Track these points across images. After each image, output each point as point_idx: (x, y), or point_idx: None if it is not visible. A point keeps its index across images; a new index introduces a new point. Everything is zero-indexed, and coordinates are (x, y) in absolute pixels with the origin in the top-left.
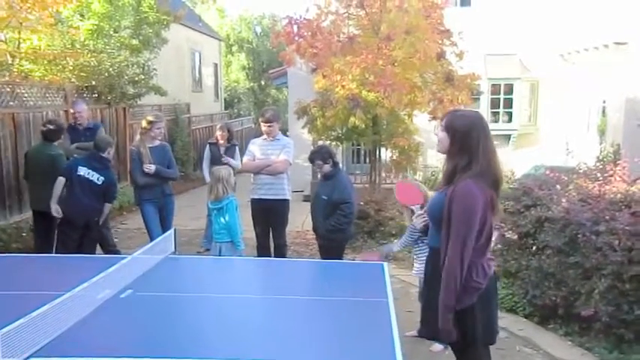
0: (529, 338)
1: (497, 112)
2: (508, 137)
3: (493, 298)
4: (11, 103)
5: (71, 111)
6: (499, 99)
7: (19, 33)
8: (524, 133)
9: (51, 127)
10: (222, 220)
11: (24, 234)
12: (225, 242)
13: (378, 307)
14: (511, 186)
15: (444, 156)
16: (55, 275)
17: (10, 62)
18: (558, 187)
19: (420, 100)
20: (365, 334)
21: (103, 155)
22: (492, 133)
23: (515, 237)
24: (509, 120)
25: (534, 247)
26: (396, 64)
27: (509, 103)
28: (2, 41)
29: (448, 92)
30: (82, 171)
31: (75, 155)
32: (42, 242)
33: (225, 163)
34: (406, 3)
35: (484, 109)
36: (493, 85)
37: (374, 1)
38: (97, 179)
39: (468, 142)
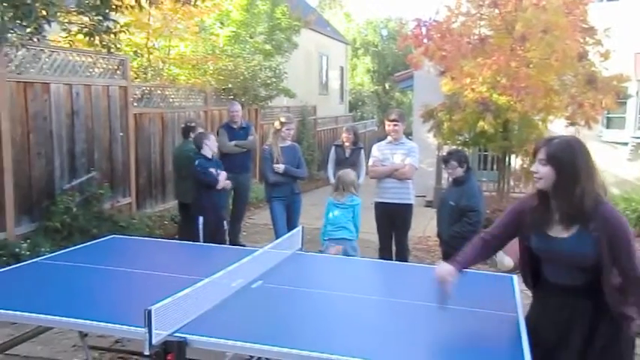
0: None
1: None
2: None
3: None
4: (161, 104)
5: (230, 111)
6: None
7: (170, 41)
8: None
9: (182, 125)
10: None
11: (166, 222)
12: (347, 240)
13: (506, 322)
14: None
15: None
16: (196, 261)
17: (160, 67)
18: None
19: (556, 105)
20: (492, 348)
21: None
22: None
23: None
24: None
25: None
26: (531, 65)
27: None
28: (156, 49)
29: (589, 96)
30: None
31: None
32: (184, 230)
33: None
34: (544, 0)
35: (632, 113)
36: None
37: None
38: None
39: (577, 168)
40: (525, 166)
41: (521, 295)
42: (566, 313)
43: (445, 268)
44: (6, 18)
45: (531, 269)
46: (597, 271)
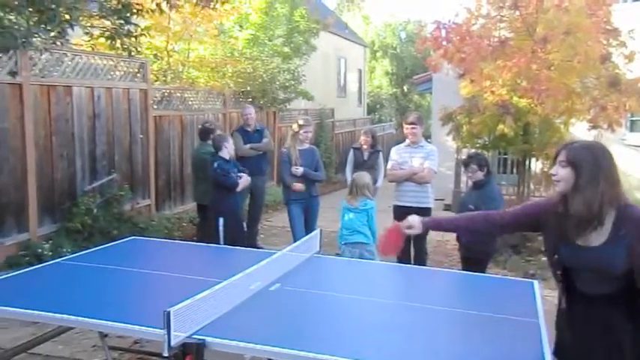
0: None
1: None
2: None
3: None
4: (180, 106)
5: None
6: None
7: (189, 44)
8: None
9: (200, 127)
10: (364, 222)
11: (184, 224)
12: (362, 243)
13: (526, 328)
14: None
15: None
16: (214, 263)
17: (180, 70)
18: None
19: (578, 108)
20: (511, 355)
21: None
22: None
23: None
24: None
25: None
26: (552, 68)
27: None
28: (176, 52)
29: (613, 98)
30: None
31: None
32: (203, 232)
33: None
34: (567, 1)
35: None
36: None
37: (529, 1)
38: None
39: (598, 171)
40: (546, 169)
41: (542, 300)
42: (596, 324)
43: (414, 219)
44: (31, 23)
45: (562, 280)
46: (630, 276)
